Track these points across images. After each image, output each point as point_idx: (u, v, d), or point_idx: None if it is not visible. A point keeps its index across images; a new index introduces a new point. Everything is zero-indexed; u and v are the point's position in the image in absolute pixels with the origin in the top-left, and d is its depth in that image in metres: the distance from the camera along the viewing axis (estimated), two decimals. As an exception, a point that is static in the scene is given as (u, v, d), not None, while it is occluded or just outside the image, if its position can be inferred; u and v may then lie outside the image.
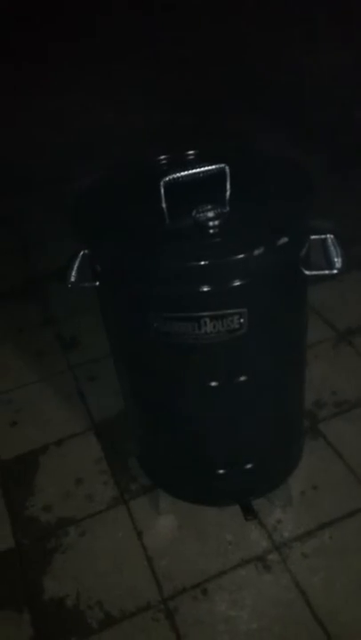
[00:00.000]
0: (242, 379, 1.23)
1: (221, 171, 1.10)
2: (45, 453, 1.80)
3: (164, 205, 1.09)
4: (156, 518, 1.57)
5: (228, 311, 1.09)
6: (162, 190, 1.08)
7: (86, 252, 1.19)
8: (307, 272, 1.11)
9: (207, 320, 1.09)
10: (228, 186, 1.10)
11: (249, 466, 1.41)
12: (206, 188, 1.12)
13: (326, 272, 1.12)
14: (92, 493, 1.67)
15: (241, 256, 1.01)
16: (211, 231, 1.05)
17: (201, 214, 1.07)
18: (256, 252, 1.02)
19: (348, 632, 1.32)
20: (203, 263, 1.02)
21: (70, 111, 3.79)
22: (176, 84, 3.87)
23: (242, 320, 1.10)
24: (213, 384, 1.23)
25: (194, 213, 1.08)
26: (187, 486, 1.49)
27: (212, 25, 4.08)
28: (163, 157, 1.31)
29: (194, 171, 1.08)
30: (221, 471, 1.41)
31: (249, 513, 1.50)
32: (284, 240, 1.04)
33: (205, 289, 1.05)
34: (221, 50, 4.00)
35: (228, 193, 1.10)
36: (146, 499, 1.62)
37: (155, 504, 1.58)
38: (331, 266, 1.12)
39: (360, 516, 1.51)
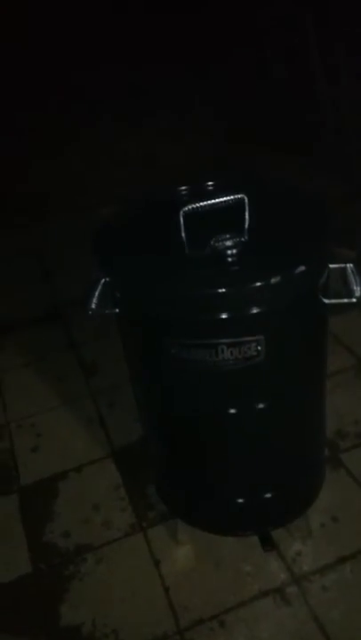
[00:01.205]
0: (260, 406, 1.23)
1: (240, 201, 1.12)
2: (65, 479, 1.80)
3: (183, 235, 1.11)
4: (174, 547, 1.56)
5: (246, 339, 1.10)
6: (181, 220, 1.10)
7: (107, 279, 1.22)
8: (325, 300, 1.12)
9: (225, 347, 1.10)
10: (246, 215, 1.11)
11: (268, 495, 1.39)
12: (225, 218, 1.14)
13: (345, 300, 1.12)
14: (110, 520, 1.66)
15: (258, 284, 1.02)
16: (229, 259, 1.07)
17: (219, 243, 1.08)
18: (273, 280, 1.03)
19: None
20: (220, 290, 1.03)
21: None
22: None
23: (259, 347, 1.10)
24: (232, 411, 1.24)
25: (212, 242, 1.10)
26: (205, 515, 1.47)
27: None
28: (183, 188, 1.34)
29: (213, 201, 1.10)
30: (240, 500, 1.39)
31: (268, 544, 1.47)
32: (302, 268, 1.05)
33: (223, 316, 1.06)
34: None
35: (246, 222, 1.12)
36: (163, 527, 1.61)
37: (172, 533, 1.57)
38: (350, 294, 1.12)
39: (381, 549, 1.48)
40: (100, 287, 1.22)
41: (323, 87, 2.99)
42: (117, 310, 1.23)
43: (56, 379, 2.19)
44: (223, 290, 1.03)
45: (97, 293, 1.22)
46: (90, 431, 1.95)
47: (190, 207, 1.09)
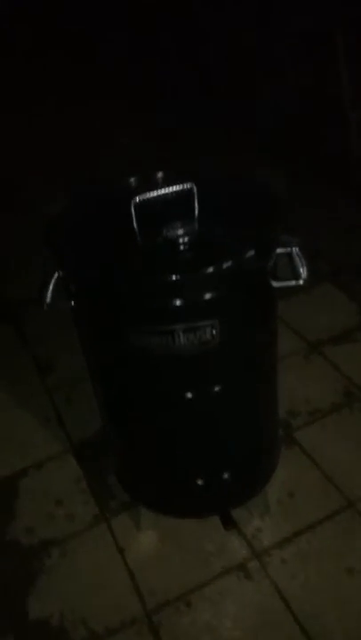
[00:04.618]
0: (216, 389, 1.27)
1: (189, 191, 1.15)
2: (25, 477, 1.80)
3: (135, 225, 1.14)
4: (137, 534, 1.59)
5: (201, 323, 1.14)
6: (132, 210, 1.13)
7: (61, 273, 1.23)
8: (274, 283, 1.17)
9: (181, 333, 1.14)
10: (196, 204, 1.15)
11: (227, 476, 1.44)
12: (177, 208, 1.17)
13: (293, 283, 1.18)
14: (73, 513, 1.68)
15: (210, 269, 1.07)
16: (181, 247, 1.11)
17: (171, 232, 1.12)
18: (225, 265, 1.07)
19: (329, 634, 1.35)
20: (174, 276, 1.07)
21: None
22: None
23: (214, 332, 1.15)
24: (188, 395, 1.27)
25: (164, 231, 1.13)
26: (166, 500, 1.51)
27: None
28: (133, 179, 1.36)
29: (163, 191, 1.14)
30: (200, 482, 1.44)
31: (228, 523, 1.53)
32: (251, 253, 1.10)
33: (178, 302, 1.09)
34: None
35: (196, 211, 1.16)
36: (126, 515, 1.64)
37: (135, 520, 1.60)
38: (297, 277, 1.18)
39: (335, 519, 1.56)
40: (53, 281, 1.24)
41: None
42: (73, 303, 1.25)
43: (11, 378, 2.17)
44: (177, 276, 1.07)
45: (51, 288, 1.23)
46: (48, 428, 1.95)
47: (141, 197, 1.12)
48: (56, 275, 1.24)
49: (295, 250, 1.18)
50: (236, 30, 3.43)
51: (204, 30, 3.75)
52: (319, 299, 2.27)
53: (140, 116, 3.90)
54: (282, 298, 2.12)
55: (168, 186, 1.16)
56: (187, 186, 1.14)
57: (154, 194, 1.12)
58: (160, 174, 1.39)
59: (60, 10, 4.42)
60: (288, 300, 2.15)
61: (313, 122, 3.04)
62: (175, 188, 1.15)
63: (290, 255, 1.20)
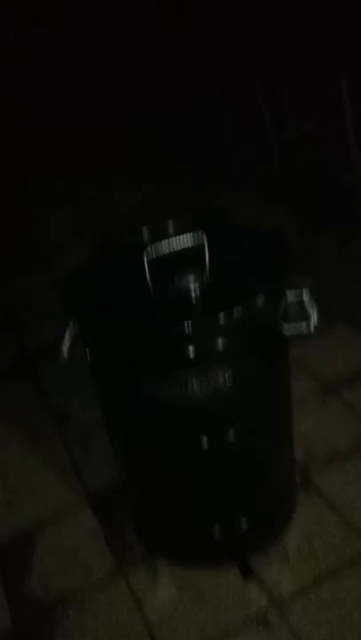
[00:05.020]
0: (230, 436, 1.29)
1: (200, 240, 1.20)
2: (42, 530, 1.79)
3: (147, 276, 1.18)
4: (155, 586, 1.57)
5: (213, 370, 1.17)
6: (145, 262, 1.18)
7: (77, 324, 1.27)
8: (285, 328, 1.20)
9: (194, 380, 1.17)
10: (206, 254, 1.20)
11: (244, 524, 1.44)
12: (188, 256, 1.22)
13: (303, 326, 1.20)
14: (90, 566, 1.66)
15: (221, 317, 1.10)
16: (193, 295, 1.15)
17: (183, 281, 1.16)
18: (235, 313, 1.11)
19: None
20: (187, 325, 1.11)
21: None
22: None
23: (227, 377, 1.18)
24: (203, 442, 1.29)
25: (176, 281, 1.18)
26: (183, 550, 1.50)
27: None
28: (146, 230, 1.41)
29: (174, 243, 1.19)
30: (217, 532, 1.43)
31: (247, 571, 1.51)
32: (262, 298, 1.13)
33: (191, 350, 1.13)
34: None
35: (207, 261, 1.20)
36: (144, 567, 1.61)
37: (153, 571, 1.58)
38: (307, 320, 1.20)
39: (357, 565, 1.53)
40: (70, 333, 1.28)
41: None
42: (88, 353, 1.29)
43: (29, 430, 2.19)
44: (188, 323, 1.11)
45: (67, 339, 1.28)
46: (65, 480, 1.95)
47: (152, 250, 1.17)
48: (73, 325, 1.28)
49: (306, 295, 1.22)
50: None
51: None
52: (334, 340, 2.28)
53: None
54: (297, 340, 2.17)
55: (179, 234, 1.21)
56: (197, 235, 1.19)
57: (165, 245, 1.17)
58: (172, 223, 1.43)
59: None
60: (303, 342, 2.16)
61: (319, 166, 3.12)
62: (186, 239, 1.20)
63: (301, 300, 1.23)
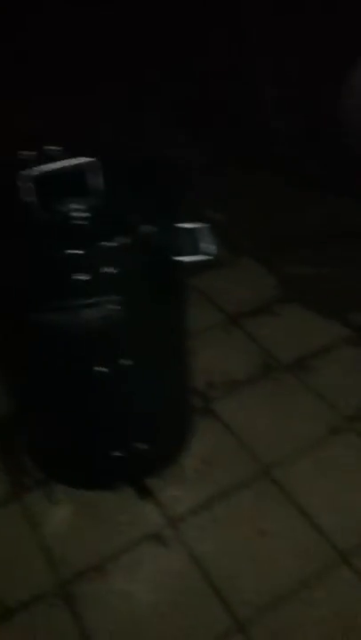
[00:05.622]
0: (125, 363, 1.29)
1: (91, 165, 1.14)
2: None
3: (34, 199, 1.12)
4: (52, 509, 1.59)
5: (103, 299, 1.14)
6: (31, 184, 1.11)
7: None
8: (175, 258, 1.17)
9: (83, 308, 1.14)
10: (95, 180, 1.14)
11: (140, 447, 1.47)
12: (82, 185, 1.16)
13: (195, 258, 1.18)
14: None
15: (107, 244, 1.06)
16: (80, 222, 1.10)
17: (70, 206, 1.11)
18: (123, 241, 1.07)
19: (242, 593, 1.41)
20: (73, 252, 1.06)
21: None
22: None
23: (117, 306, 1.15)
24: (99, 369, 1.28)
25: (64, 207, 1.12)
26: (80, 473, 1.53)
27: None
28: (33, 153, 1.33)
29: (62, 164, 1.12)
30: (114, 454, 1.46)
31: (143, 492, 1.56)
32: (150, 228, 1.10)
33: (76, 278, 1.09)
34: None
35: (100, 186, 1.15)
36: (40, 492, 1.63)
37: (49, 495, 1.60)
38: (202, 252, 1.18)
39: (250, 485, 1.61)
40: None
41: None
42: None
43: None
44: (76, 251, 1.06)
45: None
46: None
47: (39, 171, 1.10)
48: None
49: (199, 226, 1.19)
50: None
51: None
52: (240, 273, 2.30)
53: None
54: (202, 271, 2.14)
55: (71, 159, 1.14)
56: (89, 160, 1.13)
57: (52, 167, 1.11)
58: (70, 146, 1.36)
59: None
60: (209, 273, 2.17)
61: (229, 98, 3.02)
62: (76, 161, 1.13)
63: (198, 231, 1.20)
